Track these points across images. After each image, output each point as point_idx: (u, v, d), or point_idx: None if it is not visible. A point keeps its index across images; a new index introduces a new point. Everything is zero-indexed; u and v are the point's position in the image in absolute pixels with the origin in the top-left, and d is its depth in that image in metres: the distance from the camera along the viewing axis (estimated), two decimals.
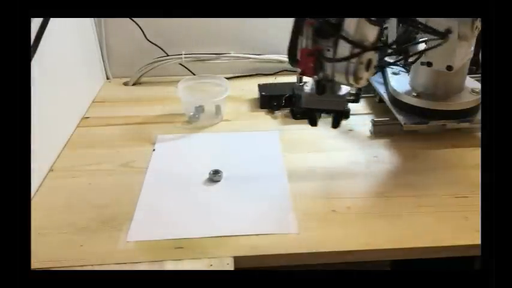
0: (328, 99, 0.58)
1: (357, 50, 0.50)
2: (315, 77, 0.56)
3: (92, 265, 0.56)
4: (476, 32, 0.72)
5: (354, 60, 0.49)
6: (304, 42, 0.53)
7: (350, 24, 0.50)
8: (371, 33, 0.51)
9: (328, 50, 0.52)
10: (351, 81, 0.51)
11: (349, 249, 0.58)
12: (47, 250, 0.58)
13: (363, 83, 0.53)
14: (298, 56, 0.54)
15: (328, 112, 0.64)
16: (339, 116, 0.61)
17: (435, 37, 0.65)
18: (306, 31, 0.52)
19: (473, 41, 0.76)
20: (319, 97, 0.57)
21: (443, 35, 0.66)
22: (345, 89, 0.60)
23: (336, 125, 0.61)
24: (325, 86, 0.56)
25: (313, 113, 0.63)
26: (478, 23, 0.71)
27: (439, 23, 0.71)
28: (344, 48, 0.50)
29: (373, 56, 0.52)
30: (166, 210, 0.65)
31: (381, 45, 0.52)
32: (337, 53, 0.51)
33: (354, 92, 0.62)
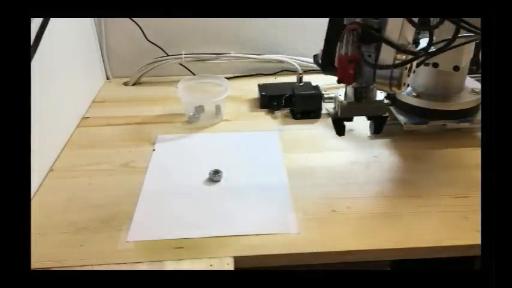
0: (367, 105, 0.56)
1: (405, 55, 0.47)
2: (354, 84, 0.54)
3: (91, 265, 0.56)
4: None
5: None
6: (343, 49, 0.51)
7: (394, 28, 0.47)
8: (410, 36, 0.48)
9: (369, 56, 0.50)
10: (394, 87, 0.49)
11: (349, 249, 0.58)
12: (47, 250, 0.58)
13: (404, 89, 0.50)
14: (336, 63, 0.52)
15: (369, 118, 0.63)
16: (382, 121, 0.60)
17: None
18: (347, 37, 0.50)
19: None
20: (357, 105, 0.55)
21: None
22: (379, 94, 0.59)
23: (378, 130, 0.59)
24: (362, 93, 0.54)
25: (342, 122, 0.61)
26: None
27: (449, 24, 0.71)
28: (387, 54, 0.48)
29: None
30: (166, 210, 0.65)
31: (434, 50, 0.49)
32: (379, 59, 0.49)
33: (387, 95, 0.60)
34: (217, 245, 0.59)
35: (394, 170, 0.74)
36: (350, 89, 0.59)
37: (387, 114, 0.64)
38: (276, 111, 0.93)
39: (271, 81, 1.06)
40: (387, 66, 0.49)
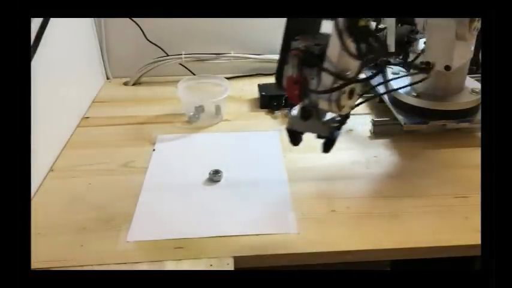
0: (313, 124, 0.57)
1: (340, 82, 0.50)
2: (302, 103, 0.56)
3: (91, 265, 0.56)
4: (475, 32, 0.72)
5: None
6: (290, 70, 0.53)
7: (332, 55, 0.49)
8: (353, 63, 0.50)
9: (313, 79, 0.52)
10: (334, 108, 0.52)
11: (349, 249, 0.58)
12: (47, 250, 0.58)
13: (346, 111, 0.53)
14: (284, 83, 0.55)
15: (318, 136, 0.63)
16: (329, 142, 0.60)
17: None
18: (292, 60, 0.52)
19: (473, 41, 0.75)
20: (303, 121, 0.57)
21: (427, 70, 0.69)
22: (330, 115, 0.59)
23: (325, 150, 0.61)
24: (310, 112, 0.56)
25: (296, 133, 0.62)
26: (478, 23, 0.71)
27: (438, 24, 0.71)
28: (327, 78, 0.50)
29: (356, 85, 0.53)
30: (166, 210, 0.65)
31: (364, 78, 0.51)
32: (321, 82, 0.51)
33: (339, 119, 0.60)
34: (217, 245, 0.59)
35: (394, 170, 0.74)
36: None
37: (335, 136, 0.61)
38: (276, 111, 0.93)
39: (271, 81, 1.05)
40: (320, 92, 0.50)
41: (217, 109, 0.90)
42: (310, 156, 0.78)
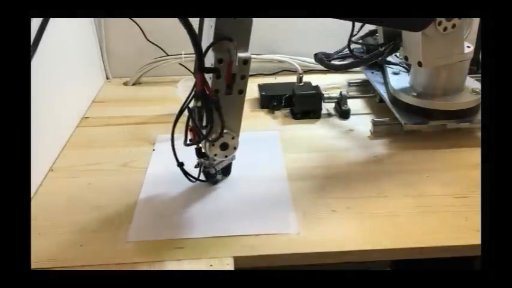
0: (204, 163, 0.68)
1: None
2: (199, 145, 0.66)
3: (92, 265, 0.56)
4: (449, 31, 0.71)
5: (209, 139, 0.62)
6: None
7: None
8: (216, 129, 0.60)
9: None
10: (208, 153, 0.64)
11: (349, 249, 0.58)
12: (47, 250, 0.58)
13: (220, 157, 0.65)
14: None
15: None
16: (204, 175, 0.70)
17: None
18: (188, 113, 0.63)
19: (450, 41, 0.74)
20: (199, 158, 0.68)
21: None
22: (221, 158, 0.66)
23: (207, 179, 0.70)
24: (201, 153, 0.66)
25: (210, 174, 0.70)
26: (446, 23, 0.71)
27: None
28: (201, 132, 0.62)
29: (230, 140, 0.64)
30: (166, 210, 0.65)
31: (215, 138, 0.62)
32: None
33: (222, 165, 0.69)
34: (217, 245, 0.59)
35: (394, 170, 0.74)
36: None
37: (213, 172, 0.69)
38: (276, 111, 0.93)
39: (271, 81, 1.06)
40: (190, 144, 0.64)
41: None
42: (310, 156, 0.78)
